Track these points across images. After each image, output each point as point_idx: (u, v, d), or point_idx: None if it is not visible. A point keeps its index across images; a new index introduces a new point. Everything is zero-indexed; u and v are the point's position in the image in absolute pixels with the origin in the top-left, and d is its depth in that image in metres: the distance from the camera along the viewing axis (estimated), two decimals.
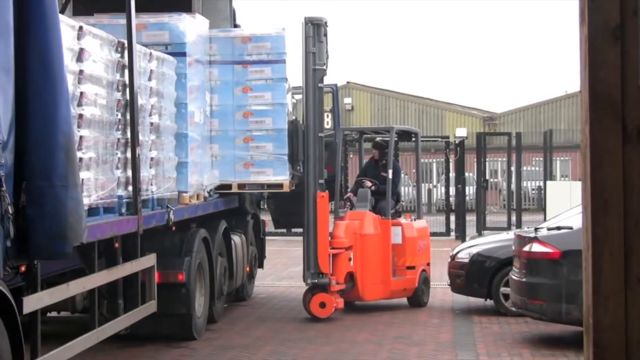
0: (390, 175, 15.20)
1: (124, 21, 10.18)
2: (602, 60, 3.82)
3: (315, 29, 13.71)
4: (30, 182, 7.07)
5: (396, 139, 16.39)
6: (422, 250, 15.37)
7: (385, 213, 14.94)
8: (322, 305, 13.81)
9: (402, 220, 15.35)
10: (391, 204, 15.05)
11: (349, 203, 15.31)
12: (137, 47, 10.16)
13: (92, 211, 8.94)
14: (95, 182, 8.98)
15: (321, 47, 13.76)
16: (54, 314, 10.99)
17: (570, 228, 11.58)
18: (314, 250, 13.78)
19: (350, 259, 14.25)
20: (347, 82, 52.06)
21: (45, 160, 7.14)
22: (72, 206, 7.31)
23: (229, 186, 13.62)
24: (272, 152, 13.49)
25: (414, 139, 16.76)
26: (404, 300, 15.20)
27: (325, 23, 13.84)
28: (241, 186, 13.61)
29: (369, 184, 15.32)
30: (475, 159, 28.82)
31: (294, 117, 15.06)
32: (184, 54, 11.94)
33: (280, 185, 13.62)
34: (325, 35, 13.83)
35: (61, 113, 7.25)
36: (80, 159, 8.32)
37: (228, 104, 13.42)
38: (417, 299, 15.20)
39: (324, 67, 13.83)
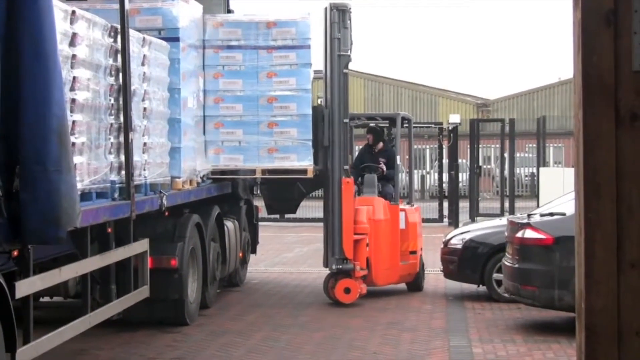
0: (398, 161, 15.25)
1: (117, 6, 10.14)
2: (595, 44, 3.82)
3: (340, 15, 13.65)
4: (24, 166, 7.06)
5: (387, 124, 16.40)
6: (420, 236, 15.41)
7: (392, 198, 14.96)
8: (347, 290, 13.75)
9: (402, 206, 15.35)
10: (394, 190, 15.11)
11: (355, 188, 15.28)
12: (130, 32, 10.14)
13: (85, 196, 8.92)
14: (87, 166, 8.96)
15: (346, 33, 13.70)
16: (46, 299, 10.97)
17: (563, 214, 11.58)
18: (338, 236, 13.74)
19: (367, 245, 14.23)
20: None
21: (38, 144, 7.12)
22: (66, 191, 7.29)
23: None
24: (296, 138, 13.48)
25: (406, 125, 16.75)
26: (397, 286, 15.20)
27: (350, 9, 13.79)
28: (264, 171, 13.62)
29: (384, 167, 15.33)
30: (468, 146, 28.81)
31: (319, 102, 15.02)
32: (177, 39, 11.91)
33: (305, 171, 13.60)
34: (350, 21, 13.79)
35: (54, 97, 7.23)
36: (73, 144, 8.29)
37: (252, 89, 13.44)
38: (418, 283, 15.25)
39: (349, 53, 13.80)
